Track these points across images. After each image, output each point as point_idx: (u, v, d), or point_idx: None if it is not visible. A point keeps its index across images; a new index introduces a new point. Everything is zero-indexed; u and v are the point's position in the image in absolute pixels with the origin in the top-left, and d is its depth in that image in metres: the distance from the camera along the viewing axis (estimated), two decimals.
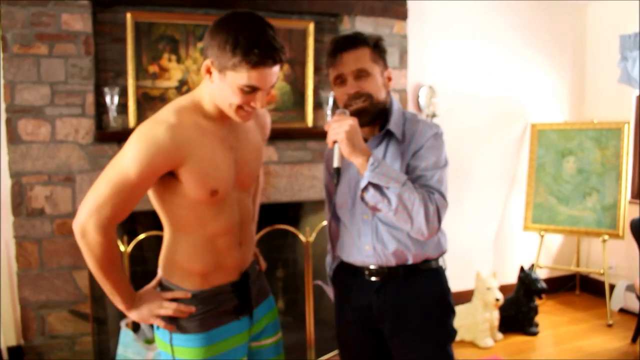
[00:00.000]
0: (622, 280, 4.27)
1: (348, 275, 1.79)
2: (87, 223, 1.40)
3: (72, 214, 2.93)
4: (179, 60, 3.12)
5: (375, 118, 1.67)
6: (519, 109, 4.44)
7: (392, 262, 1.69)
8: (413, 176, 1.61)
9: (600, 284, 4.29)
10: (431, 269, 1.74)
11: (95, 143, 2.95)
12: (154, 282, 1.61)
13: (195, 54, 3.15)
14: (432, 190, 1.57)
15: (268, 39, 1.36)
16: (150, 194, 1.53)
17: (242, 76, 1.37)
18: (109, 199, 1.39)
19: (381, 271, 1.71)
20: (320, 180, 3.42)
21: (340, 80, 1.66)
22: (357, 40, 1.66)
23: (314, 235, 3.17)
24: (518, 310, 3.78)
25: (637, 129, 4.28)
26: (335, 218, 1.82)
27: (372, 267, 1.72)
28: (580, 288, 4.68)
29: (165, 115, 1.44)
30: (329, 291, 1.94)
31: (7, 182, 2.88)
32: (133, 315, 1.54)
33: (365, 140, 1.71)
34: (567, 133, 4.35)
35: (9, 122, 2.82)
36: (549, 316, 4.13)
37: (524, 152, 4.50)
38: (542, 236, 4.35)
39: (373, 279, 1.72)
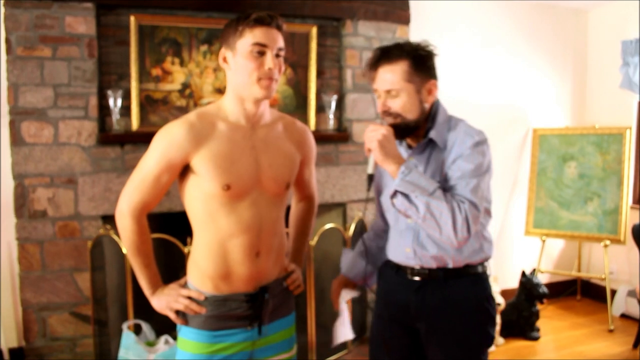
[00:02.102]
0: (623, 286, 4.26)
1: (391, 272, 1.83)
2: (121, 206, 1.61)
3: (74, 216, 2.94)
4: (182, 64, 3.13)
5: (406, 133, 1.71)
6: (521, 113, 4.45)
7: (432, 264, 1.73)
8: (448, 185, 1.64)
9: (602, 289, 4.28)
10: (472, 274, 1.76)
11: (97, 145, 2.96)
12: (182, 280, 1.68)
13: (198, 57, 3.16)
14: (462, 199, 1.59)
15: (264, 12, 1.55)
16: (181, 193, 1.65)
17: (247, 38, 1.52)
18: (137, 186, 1.58)
19: (422, 272, 1.75)
20: (322, 184, 3.42)
21: (377, 94, 1.72)
22: (394, 54, 1.66)
23: (315, 238, 3.17)
24: (519, 315, 3.78)
25: (638, 134, 4.29)
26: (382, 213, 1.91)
27: (414, 267, 1.76)
28: (582, 293, 4.68)
29: (186, 116, 1.59)
30: (345, 258, 1.99)
31: (9, 184, 2.89)
32: (153, 303, 1.66)
33: (410, 147, 1.77)
34: (569, 138, 4.36)
35: (12, 124, 2.83)
36: (550, 321, 4.13)
37: (525, 156, 4.50)
38: (543, 241, 4.35)
39: (415, 278, 1.76)
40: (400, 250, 1.78)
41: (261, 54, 1.53)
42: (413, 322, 1.79)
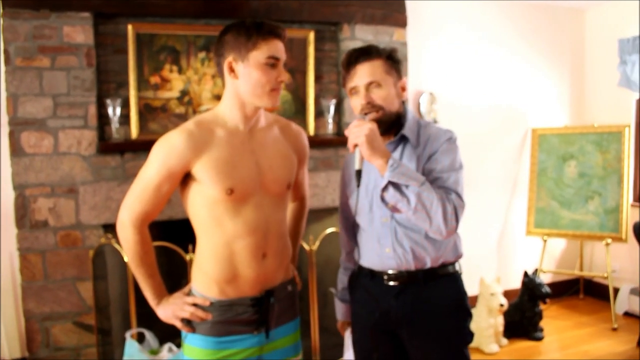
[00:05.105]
0: (626, 284, 4.26)
1: (366, 279, 1.82)
2: (123, 217, 1.61)
3: (75, 226, 2.94)
4: (180, 71, 3.14)
5: (389, 127, 1.73)
6: (520, 114, 4.45)
7: (412, 265, 1.72)
8: (430, 178, 1.66)
9: (604, 288, 4.28)
10: (449, 274, 1.79)
11: (97, 154, 2.96)
12: (186, 288, 1.69)
13: (196, 64, 3.16)
14: (449, 190, 1.64)
15: (266, 21, 1.58)
16: (183, 200, 1.65)
17: (263, 50, 1.54)
18: (138, 196, 1.59)
19: (400, 275, 1.74)
20: (322, 189, 3.42)
21: (355, 91, 1.73)
22: (370, 52, 1.72)
23: (317, 243, 3.17)
24: (522, 315, 3.77)
25: (637, 132, 4.29)
26: (347, 227, 1.89)
27: (390, 271, 1.75)
28: (585, 292, 4.67)
29: (184, 124, 1.60)
30: (338, 307, 1.98)
31: (10, 195, 2.89)
32: (159, 313, 1.66)
33: None
34: (568, 137, 4.36)
35: (12, 134, 2.83)
36: (554, 321, 4.12)
37: (525, 157, 4.50)
38: (545, 241, 4.34)
39: (392, 283, 1.75)
40: (378, 253, 1.76)
41: (274, 66, 1.56)
42: (394, 328, 1.78)
